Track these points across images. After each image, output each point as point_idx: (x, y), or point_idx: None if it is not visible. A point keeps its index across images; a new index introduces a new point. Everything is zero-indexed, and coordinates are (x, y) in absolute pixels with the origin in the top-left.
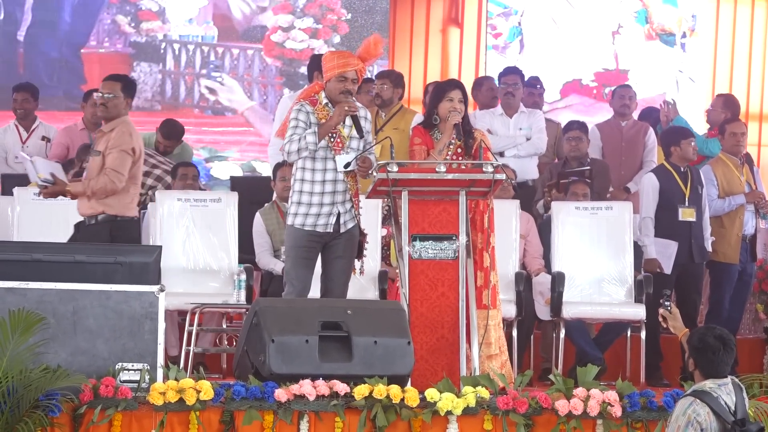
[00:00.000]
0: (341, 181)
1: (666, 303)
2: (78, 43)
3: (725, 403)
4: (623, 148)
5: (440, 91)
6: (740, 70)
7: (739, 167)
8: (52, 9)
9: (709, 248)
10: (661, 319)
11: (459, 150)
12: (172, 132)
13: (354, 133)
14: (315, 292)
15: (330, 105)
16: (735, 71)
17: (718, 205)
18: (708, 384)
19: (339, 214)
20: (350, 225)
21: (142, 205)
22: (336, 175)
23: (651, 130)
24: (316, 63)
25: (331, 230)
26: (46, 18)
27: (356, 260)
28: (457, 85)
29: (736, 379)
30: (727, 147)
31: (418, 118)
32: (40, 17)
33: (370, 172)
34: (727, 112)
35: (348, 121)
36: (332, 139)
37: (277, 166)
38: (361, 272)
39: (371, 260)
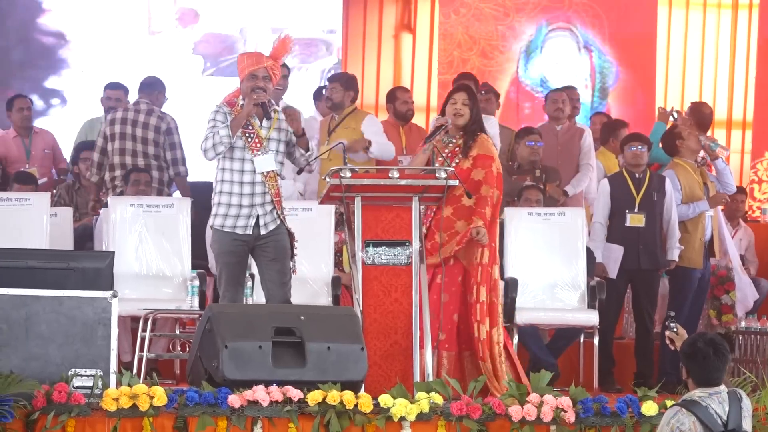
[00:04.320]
0: (260, 182)
1: (672, 325)
2: None
3: (715, 413)
4: (559, 151)
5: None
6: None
7: (696, 171)
8: None
9: (675, 257)
10: (668, 342)
11: (456, 149)
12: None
13: (272, 134)
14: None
15: None
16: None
17: (682, 210)
18: (697, 393)
19: (258, 217)
20: (272, 227)
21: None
22: (254, 176)
23: (586, 133)
24: None
25: (251, 232)
26: None
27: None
28: (460, 88)
29: (740, 391)
30: (690, 149)
31: (370, 118)
32: None
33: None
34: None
35: (266, 123)
36: (249, 140)
37: None
38: (293, 272)
39: (324, 265)
